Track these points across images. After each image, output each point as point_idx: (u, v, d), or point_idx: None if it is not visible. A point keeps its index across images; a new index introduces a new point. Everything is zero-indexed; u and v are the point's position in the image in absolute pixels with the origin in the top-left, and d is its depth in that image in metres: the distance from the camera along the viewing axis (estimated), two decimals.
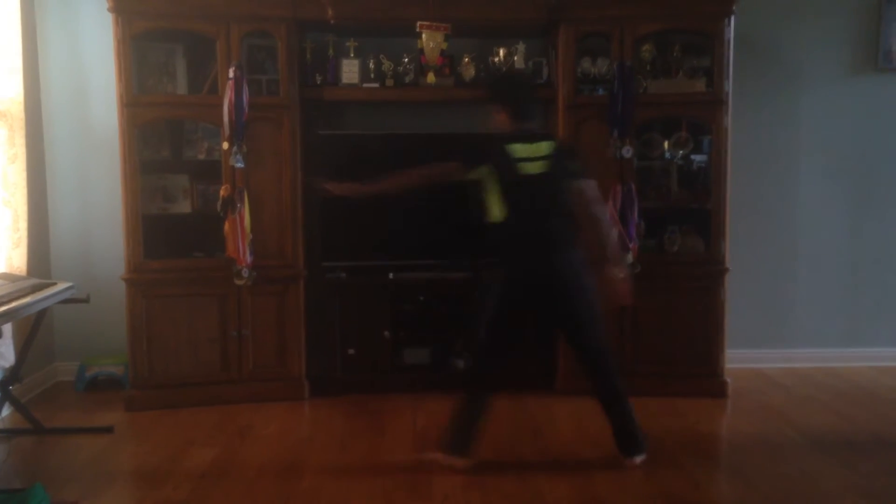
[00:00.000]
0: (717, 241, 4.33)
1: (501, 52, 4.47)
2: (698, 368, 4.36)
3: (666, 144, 4.46)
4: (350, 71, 4.38)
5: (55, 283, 3.73)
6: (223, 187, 4.08)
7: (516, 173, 3.25)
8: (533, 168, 3.25)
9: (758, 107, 4.79)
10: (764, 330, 4.94)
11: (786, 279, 4.96)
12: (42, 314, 3.77)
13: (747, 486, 3.22)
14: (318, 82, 4.37)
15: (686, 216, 4.48)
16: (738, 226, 4.60)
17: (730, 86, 4.27)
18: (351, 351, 4.40)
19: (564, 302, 3.30)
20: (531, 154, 3.26)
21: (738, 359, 4.66)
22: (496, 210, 3.30)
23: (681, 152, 4.46)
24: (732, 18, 4.24)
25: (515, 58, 4.45)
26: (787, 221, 4.93)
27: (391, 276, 4.44)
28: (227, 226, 4.05)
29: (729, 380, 4.38)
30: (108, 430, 3.85)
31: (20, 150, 4.09)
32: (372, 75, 4.40)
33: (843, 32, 4.83)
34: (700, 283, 4.33)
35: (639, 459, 3.38)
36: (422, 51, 4.33)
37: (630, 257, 4.17)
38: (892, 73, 4.84)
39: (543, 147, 3.28)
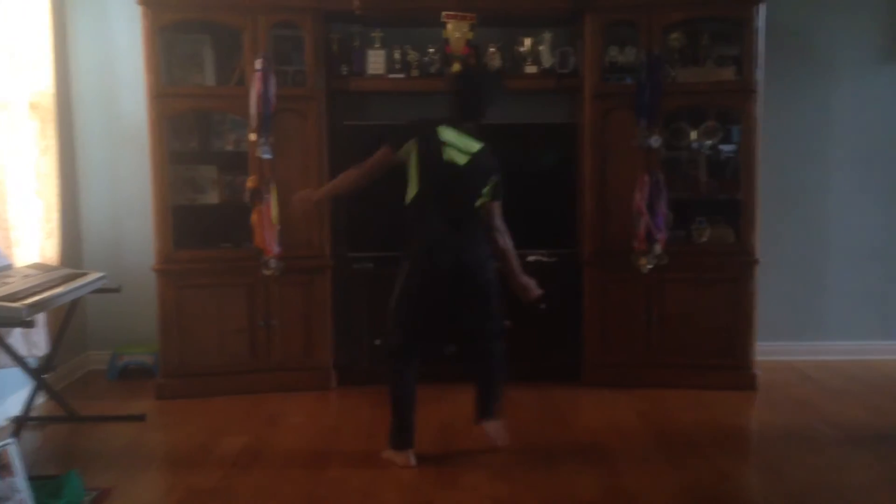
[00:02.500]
0: (747, 232, 4.28)
1: (527, 41, 4.44)
2: (727, 361, 4.32)
3: (694, 134, 4.41)
4: (376, 61, 4.38)
5: (87, 273, 3.79)
6: (251, 178, 4.11)
7: (439, 156, 3.23)
8: (457, 157, 3.24)
9: (788, 95, 4.72)
10: (794, 322, 4.88)
11: (817, 270, 4.89)
12: (75, 304, 3.83)
13: (776, 478, 3.20)
14: (344, 73, 4.38)
15: (715, 207, 4.44)
16: (769, 216, 4.53)
17: (760, 74, 4.21)
18: (378, 341, 4.41)
19: (472, 293, 3.32)
20: (459, 144, 3.25)
21: (768, 351, 4.60)
22: (412, 188, 3.29)
23: (709, 142, 4.40)
24: (762, 6, 4.18)
25: (541, 47, 4.43)
26: (818, 212, 4.86)
27: None
28: (254, 216, 4.08)
29: (759, 372, 4.33)
30: (141, 417, 3.91)
31: (51, 142, 4.14)
32: (397, 66, 4.40)
33: (874, 20, 4.73)
34: (729, 274, 4.29)
35: (492, 425, 3.42)
36: (447, 41, 4.32)
37: (658, 248, 4.14)
38: None
39: (473, 145, 3.27)
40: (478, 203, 3.29)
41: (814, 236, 4.87)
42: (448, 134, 3.25)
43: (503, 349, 3.44)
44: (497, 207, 3.35)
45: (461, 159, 3.24)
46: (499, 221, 3.35)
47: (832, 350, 4.88)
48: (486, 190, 3.29)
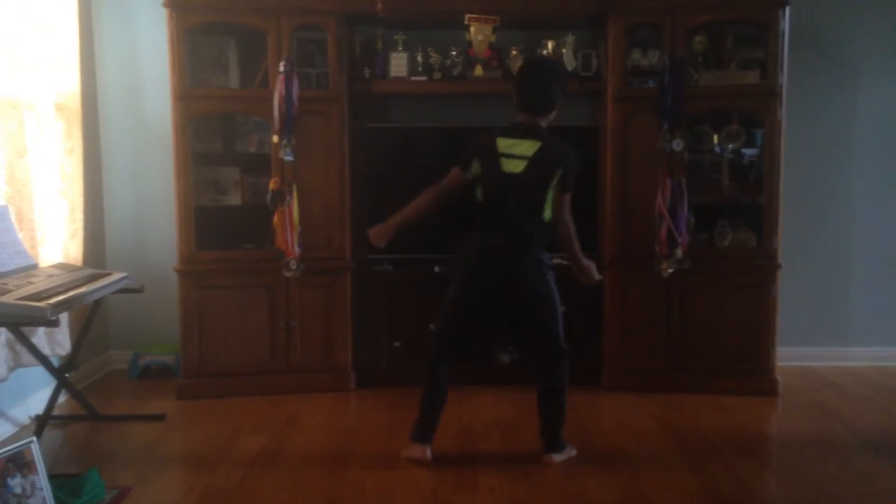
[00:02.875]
0: (769, 236, 4.25)
1: (550, 44, 4.43)
2: (748, 366, 4.28)
3: (717, 138, 4.38)
4: (398, 64, 4.39)
5: (110, 274, 3.81)
6: (273, 180, 4.13)
7: (498, 169, 3.24)
8: (513, 167, 3.23)
9: (812, 99, 4.67)
10: (817, 327, 4.83)
11: (840, 275, 4.84)
12: (97, 303, 3.86)
13: (797, 484, 3.17)
14: (367, 75, 4.39)
15: (737, 210, 4.41)
16: (791, 221, 4.49)
17: (784, 78, 4.18)
18: (397, 343, 4.42)
19: (527, 300, 3.31)
20: (513, 151, 3.23)
21: (789, 356, 4.56)
22: (480, 194, 3.32)
23: (731, 146, 4.37)
24: (787, 9, 4.15)
25: (564, 50, 4.41)
26: (842, 216, 4.81)
27: (437, 269, 4.45)
28: (276, 218, 4.10)
29: (780, 378, 4.29)
30: (161, 417, 3.94)
31: (77, 143, 4.18)
32: (420, 68, 4.41)
33: None
34: (751, 278, 4.25)
35: (558, 459, 3.37)
36: (470, 44, 4.32)
37: (680, 252, 4.12)
38: None
39: (526, 147, 3.23)
40: (546, 202, 3.28)
41: (837, 241, 4.82)
42: (505, 144, 3.25)
43: (566, 376, 3.39)
44: (567, 199, 3.34)
45: (518, 167, 3.22)
46: (566, 214, 3.35)
47: (855, 356, 4.83)
48: (549, 190, 3.26)
